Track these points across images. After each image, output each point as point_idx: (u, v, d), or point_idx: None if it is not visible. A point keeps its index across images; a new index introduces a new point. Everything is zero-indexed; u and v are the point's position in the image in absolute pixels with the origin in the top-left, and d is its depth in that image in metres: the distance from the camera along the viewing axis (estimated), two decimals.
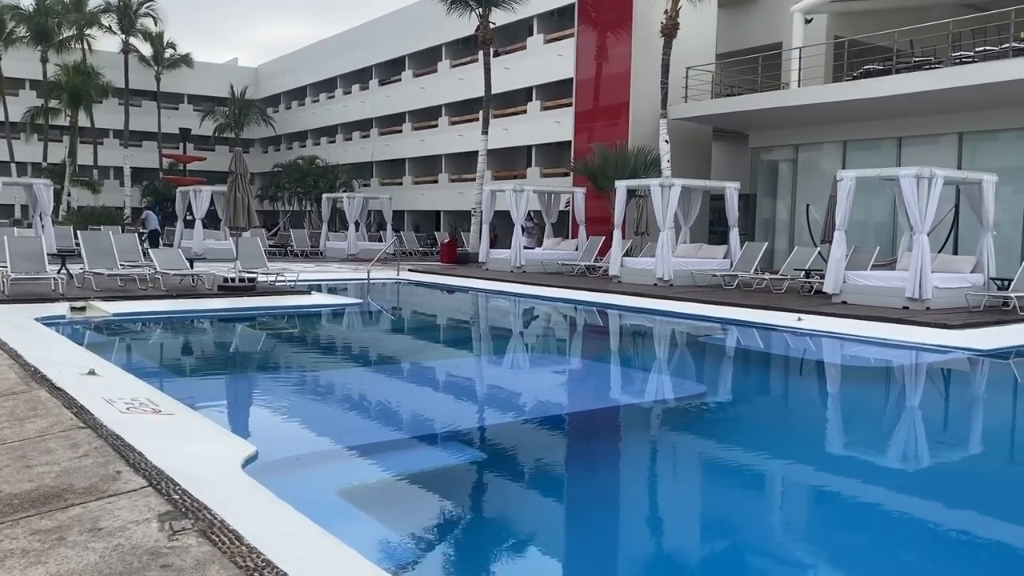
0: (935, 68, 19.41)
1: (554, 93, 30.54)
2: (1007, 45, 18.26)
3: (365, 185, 42.10)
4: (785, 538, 5.24)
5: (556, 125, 29.94)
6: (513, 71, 31.74)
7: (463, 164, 35.90)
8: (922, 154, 20.32)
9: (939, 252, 16.97)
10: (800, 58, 22.61)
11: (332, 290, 19.53)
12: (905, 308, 14.30)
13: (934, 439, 7.91)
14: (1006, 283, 14.90)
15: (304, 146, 48.22)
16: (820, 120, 22.59)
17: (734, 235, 20.28)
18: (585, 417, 8.55)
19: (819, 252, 17.99)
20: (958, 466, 6.88)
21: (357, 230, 32.00)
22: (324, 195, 34.80)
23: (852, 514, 5.56)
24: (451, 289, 21.44)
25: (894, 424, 8.54)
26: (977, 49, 18.97)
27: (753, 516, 5.60)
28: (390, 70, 41.48)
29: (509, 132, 32.31)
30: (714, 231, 26.13)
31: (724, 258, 19.97)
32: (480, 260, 25.11)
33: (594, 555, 4.75)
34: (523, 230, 24.11)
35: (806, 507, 5.94)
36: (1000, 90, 17.84)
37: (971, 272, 15.42)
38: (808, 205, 21.94)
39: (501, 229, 30.25)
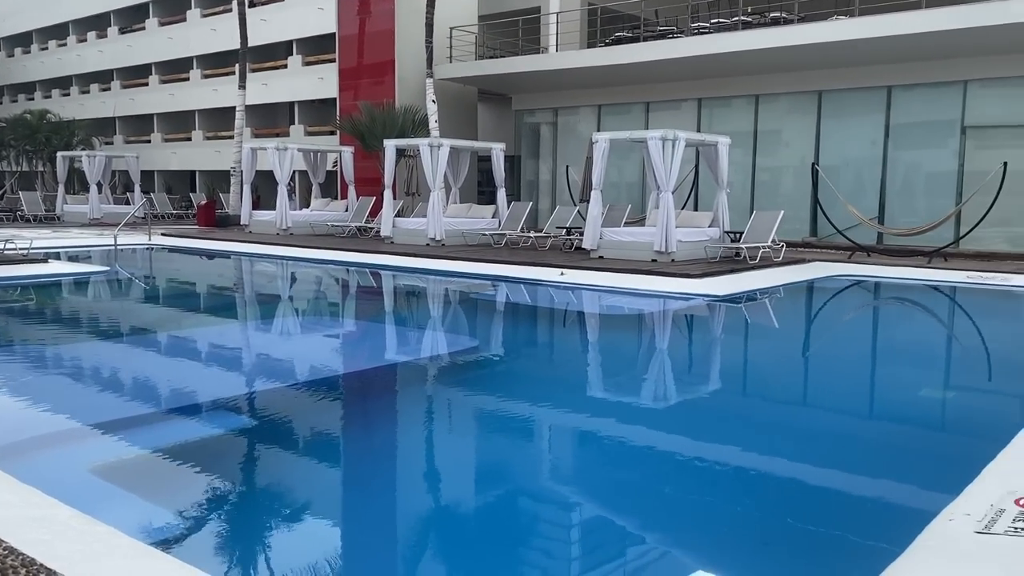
0: (676, 38, 20.97)
1: (317, 48, 29.51)
2: (737, 19, 20.11)
3: (107, 143, 38.55)
4: (557, 480, 5.57)
5: (320, 81, 29.00)
6: (272, 23, 30.24)
7: (219, 120, 33.84)
8: (667, 118, 21.99)
9: (682, 208, 18.54)
10: (557, 23, 23.47)
11: (73, 258, 17.81)
12: (654, 261, 15.52)
13: (681, 377, 8.71)
14: (738, 235, 16.63)
15: (32, 99, 43.11)
16: (577, 84, 23.68)
17: (501, 195, 20.87)
18: (359, 377, 8.50)
19: (578, 211, 19.01)
20: (703, 400, 7.65)
21: (100, 192, 29.24)
22: (59, 154, 31.39)
23: (616, 451, 6.02)
24: (211, 254, 20.30)
25: (646, 365, 9.29)
26: (712, 21, 20.72)
27: (527, 460, 5.89)
28: (132, 17, 37.99)
29: (269, 87, 30.87)
30: (483, 191, 26.74)
31: (493, 217, 20.50)
32: (242, 222, 23.94)
33: (372, 515, 4.76)
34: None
35: (574, 448, 6.34)
36: (730, 60, 19.64)
37: (709, 226, 17.00)
38: (568, 166, 23.03)
39: (264, 190, 29.01)
